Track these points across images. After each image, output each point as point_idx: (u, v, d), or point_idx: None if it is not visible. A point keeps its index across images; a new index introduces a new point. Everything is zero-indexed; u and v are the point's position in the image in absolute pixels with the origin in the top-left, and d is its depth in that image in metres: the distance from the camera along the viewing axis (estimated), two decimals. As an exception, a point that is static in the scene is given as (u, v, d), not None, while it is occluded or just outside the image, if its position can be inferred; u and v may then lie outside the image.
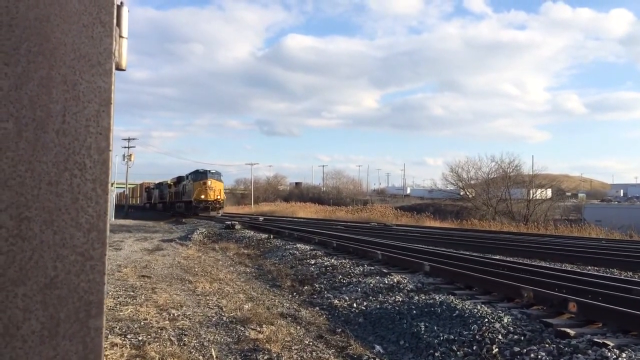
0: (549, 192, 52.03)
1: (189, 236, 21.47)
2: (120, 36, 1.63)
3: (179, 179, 48.85)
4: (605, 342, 4.86)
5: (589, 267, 11.92)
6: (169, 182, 53.64)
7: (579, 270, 10.75)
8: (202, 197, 40.98)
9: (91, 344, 1.38)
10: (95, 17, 1.44)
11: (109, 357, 4.96)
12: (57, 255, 1.36)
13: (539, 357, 4.84)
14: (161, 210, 56.25)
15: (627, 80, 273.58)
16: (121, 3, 1.57)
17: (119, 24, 1.60)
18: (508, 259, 12.83)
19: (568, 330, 5.37)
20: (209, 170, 43.27)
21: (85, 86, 1.42)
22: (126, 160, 65.39)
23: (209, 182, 41.71)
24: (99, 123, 1.43)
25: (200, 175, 42.53)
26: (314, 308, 8.00)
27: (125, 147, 66.37)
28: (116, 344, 5.39)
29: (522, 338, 5.42)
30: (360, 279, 9.47)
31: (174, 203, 50.07)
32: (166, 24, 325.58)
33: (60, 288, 1.36)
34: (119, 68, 1.62)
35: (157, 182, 66.71)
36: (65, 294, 1.35)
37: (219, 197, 42.16)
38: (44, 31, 1.39)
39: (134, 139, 68.30)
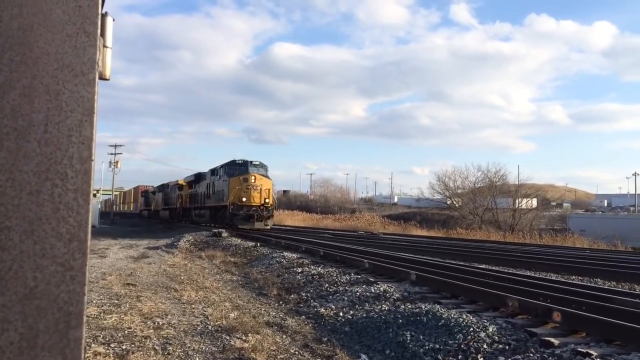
0: (534, 202, 52.52)
1: (175, 244, 21.32)
2: (105, 46, 1.63)
3: (199, 177, 36.58)
4: (589, 351, 4.89)
5: (574, 277, 12.02)
6: (180, 182, 40.86)
7: (563, 279, 10.84)
8: (244, 200, 27.72)
9: (70, 356, 1.37)
10: (79, 27, 1.44)
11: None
12: (37, 266, 1.35)
13: (523, 366, 4.87)
14: (167, 219, 44.42)
15: (610, 92, 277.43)
16: (105, 13, 1.57)
17: (103, 34, 1.60)
18: (494, 268, 12.90)
19: (552, 339, 5.40)
20: (251, 162, 29.69)
21: (68, 96, 1.42)
22: (112, 167, 64.97)
23: (252, 179, 28.10)
24: (82, 133, 1.43)
25: (238, 168, 29.20)
26: (300, 317, 7.98)
27: (111, 154, 66.02)
28: (99, 353, 5.34)
29: (507, 347, 5.44)
30: (346, 288, 9.46)
31: (189, 210, 38.02)
32: (154, 30, 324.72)
33: (39, 299, 1.34)
34: (102, 78, 1.62)
35: (158, 184, 54.15)
36: (45, 304, 1.34)
37: (267, 200, 28.48)
38: (27, 40, 1.39)
39: (120, 145, 67.86)
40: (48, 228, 1.37)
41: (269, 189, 28.95)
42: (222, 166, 31.15)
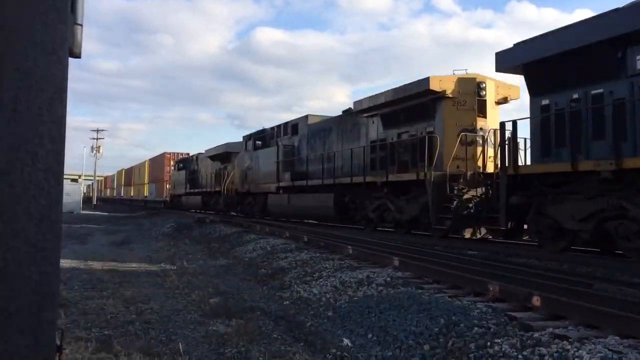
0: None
1: (160, 229, 21.23)
2: (76, 23, 1.59)
3: None
4: (567, 335, 4.97)
5: (554, 262, 12.17)
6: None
7: (543, 265, 10.97)
8: None
9: (43, 338, 1.35)
10: (50, 3, 1.40)
11: (73, 351, 4.88)
12: (7, 247, 1.32)
13: (503, 349, 4.93)
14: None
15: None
16: (77, -12, 1.54)
17: (74, 11, 1.56)
18: (476, 253, 13.02)
19: (531, 323, 5.48)
20: None
21: (38, 74, 1.38)
22: (95, 152, 64.26)
23: None
24: (52, 112, 1.40)
25: None
26: (283, 302, 8.01)
27: (93, 139, 65.28)
28: (81, 338, 5.31)
29: (488, 331, 5.51)
30: (330, 273, 9.50)
31: None
32: (134, 14, 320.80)
33: (10, 280, 1.32)
34: (73, 55, 1.58)
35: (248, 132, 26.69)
36: (16, 286, 1.32)
37: None
38: (-6, 16, 1.35)
39: (103, 130, 66.92)
40: (19, 208, 1.34)
41: None
42: None
